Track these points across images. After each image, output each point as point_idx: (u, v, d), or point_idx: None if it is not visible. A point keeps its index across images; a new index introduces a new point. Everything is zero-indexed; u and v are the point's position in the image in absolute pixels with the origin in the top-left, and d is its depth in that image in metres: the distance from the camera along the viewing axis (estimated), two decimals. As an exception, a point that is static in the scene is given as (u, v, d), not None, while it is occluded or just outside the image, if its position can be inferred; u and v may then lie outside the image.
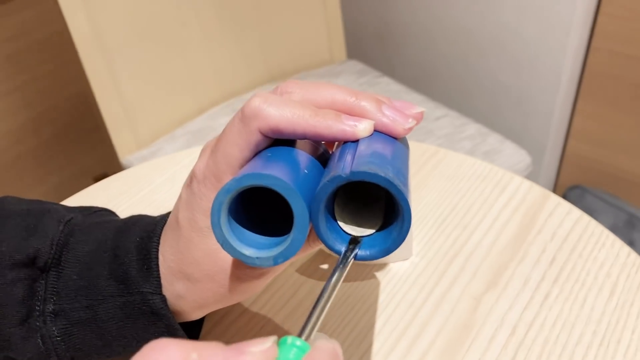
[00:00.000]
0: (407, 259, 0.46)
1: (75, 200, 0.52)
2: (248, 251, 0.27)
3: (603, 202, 1.26)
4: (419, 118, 0.31)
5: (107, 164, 1.29)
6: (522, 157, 0.99)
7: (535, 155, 1.28)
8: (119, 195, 0.52)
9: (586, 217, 0.48)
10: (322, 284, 0.44)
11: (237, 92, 1.13)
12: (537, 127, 1.27)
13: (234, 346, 0.21)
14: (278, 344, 0.22)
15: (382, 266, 0.45)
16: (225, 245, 0.27)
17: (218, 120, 1.06)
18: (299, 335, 0.23)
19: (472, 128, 1.03)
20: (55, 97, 1.30)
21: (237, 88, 1.13)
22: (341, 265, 0.26)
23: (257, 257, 0.27)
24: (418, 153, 0.56)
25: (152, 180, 0.54)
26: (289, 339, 0.22)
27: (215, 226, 0.26)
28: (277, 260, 0.26)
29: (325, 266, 0.46)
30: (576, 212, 0.49)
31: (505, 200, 0.50)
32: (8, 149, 1.25)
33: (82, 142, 1.37)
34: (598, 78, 1.20)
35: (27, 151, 1.29)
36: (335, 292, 0.25)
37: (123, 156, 1.01)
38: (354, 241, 0.27)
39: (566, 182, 1.34)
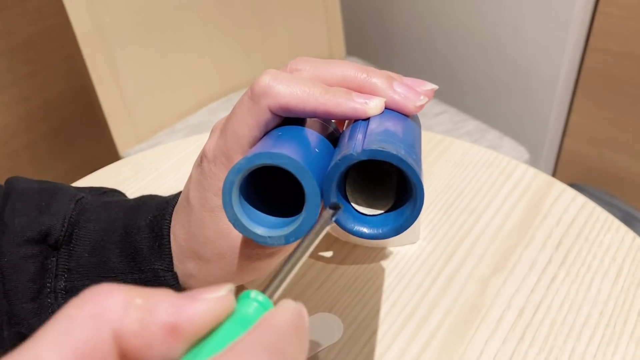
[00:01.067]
0: (414, 243, 0.46)
1: (83, 184, 0.52)
2: (260, 230, 0.27)
3: (598, 201, 1.26)
4: (431, 95, 0.31)
5: (104, 159, 1.29)
6: (520, 154, 0.99)
7: (532, 153, 1.28)
8: (126, 180, 0.52)
9: (591, 204, 0.49)
10: (330, 266, 0.44)
11: (237, 86, 1.13)
12: (535, 125, 1.28)
13: (185, 293, 0.19)
14: (239, 298, 0.20)
15: (390, 250, 0.46)
16: (237, 224, 0.27)
17: (218, 114, 1.06)
18: (263, 291, 0.21)
19: (471, 124, 1.04)
20: (53, 91, 1.30)
21: (237, 83, 1.13)
22: (317, 225, 0.25)
23: (268, 236, 0.27)
24: (424, 141, 0.56)
25: (158, 165, 0.54)
26: (252, 293, 0.20)
27: (227, 205, 0.26)
28: (288, 239, 0.26)
29: (331, 249, 0.46)
30: (581, 199, 0.49)
31: (511, 187, 0.51)
32: (5, 143, 1.25)
33: (79, 137, 1.37)
34: (595, 77, 1.21)
35: (24, 146, 1.28)
36: (306, 254, 0.24)
37: (123, 150, 1.01)
38: (335, 207, 0.27)
39: (562, 180, 1.35)
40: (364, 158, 0.25)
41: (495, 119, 1.33)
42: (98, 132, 1.35)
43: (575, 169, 1.33)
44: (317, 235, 0.25)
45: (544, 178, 0.51)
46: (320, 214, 0.31)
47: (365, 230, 0.27)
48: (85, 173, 0.52)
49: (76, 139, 1.36)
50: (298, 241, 0.33)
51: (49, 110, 1.30)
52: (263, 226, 0.27)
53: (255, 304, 0.20)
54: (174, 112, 1.07)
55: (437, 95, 1.30)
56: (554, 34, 1.17)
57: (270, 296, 0.21)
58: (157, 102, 1.04)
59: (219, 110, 1.07)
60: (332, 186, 0.26)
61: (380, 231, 0.27)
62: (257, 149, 0.26)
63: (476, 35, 1.28)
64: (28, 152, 1.29)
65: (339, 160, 0.25)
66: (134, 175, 0.53)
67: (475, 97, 1.35)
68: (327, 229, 0.26)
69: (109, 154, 1.09)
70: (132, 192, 0.51)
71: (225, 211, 0.26)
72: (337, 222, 0.27)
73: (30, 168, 1.30)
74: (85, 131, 1.37)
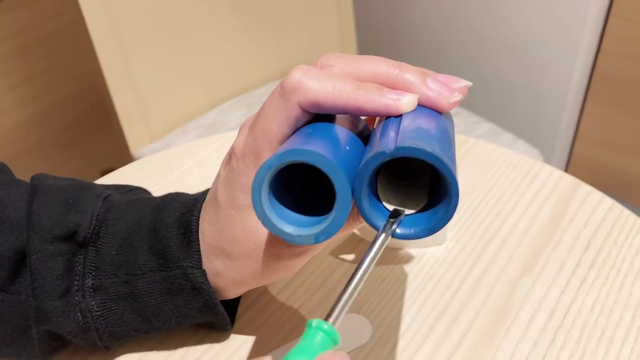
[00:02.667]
0: (441, 244, 0.46)
1: (106, 182, 0.51)
2: (289, 229, 0.26)
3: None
4: (465, 92, 0.30)
5: (115, 158, 1.28)
6: (535, 157, 0.99)
7: (544, 156, 1.28)
8: (150, 178, 0.52)
9: (619, 206, 0.48)
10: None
11: (250, 87, 1.13)
12: (547, 129, 1.28)
13: None
14: (306, 325, 0.21)
15: (417, 251, 0.45)
16: (267, 222, 0.26)
17: (230, 114, 1.06)
18: (326, 319, 0.21)
19: (485, 127, 1.04)
20: (66, 89, 1.30)
21: (250, 83, 1.12)
22: (379, 239, 0.25)
23: (298, 235, 0.26)
24: (446, 142, 0.56)
25: (182, 163, 0.54)
26: (314, 322, 0.20)
27: (256, 203, 0.26)
28: (318, 239, 0.26)
29: (358, 250, 0.46)
30: (608, 201, 0.49)
31: (537, 188, 0.50)
32: (17, 141, 1.25)
33: (92, 135, 1.37)
34: (607, 80, 1.21)
35: (36, 143, 1.28)
36: (369, 271, 0.24)
37: (135, 149, 1.01)
38: (395, 215, 0.26)
39: (573, 184, 1.35)
40: (397, 155, 0.24)
41: (507, 121, 1.32)
42: (110, 130, 1.35)
43: (585, 172, 1.32)
44: (380, 249, 0.25)
45: (570, 180, 0.51)
46: (351, 213, 0.30)
47: (397, 230, 0.26)
48: (97, 171, 0.52)
49: (88, 137, 1.36)
50: (326, 242, 0.33)
51: (61, 108, 1.30)
52: (292, 225, 0.27)
53: (320, 334, 0.20)
54: (187, 112, 1.06)
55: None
56: (567, 37, 1.16)
57: (334, 323, 0.21)
58: (170, 101, 1.04)
59: (232, 110, 1.07)
60: (363, 184, 0.25)
61: (413, 231, 0.26)
62: (287, 146, 0.26)
63: (489, 38, 1.28)
64: (40, 149, 1.29)
65: (371, 157, 0.25)
66: (157, 173, 0.53)
67: (488, 99, 1.35)
68: (388, 240, 0.26)
69: (121, 153, 1.09)
70: (155, 190, 0.51)
71: (255, 209, 0.26)
72: (369, 222, 0.26)
73: (42, 165, 1.30)
74: (97, 129, 1.37)
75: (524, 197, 0.50)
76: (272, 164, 0.25)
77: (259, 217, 0.26)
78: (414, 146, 0.24)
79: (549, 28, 1.18)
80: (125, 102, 0.97)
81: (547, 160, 1.30)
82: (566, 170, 1.35)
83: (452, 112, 1.06)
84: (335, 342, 0.21)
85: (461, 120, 1.05)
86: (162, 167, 0.53)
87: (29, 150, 1.27)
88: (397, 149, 0.24)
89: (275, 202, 0.27)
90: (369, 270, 0.24)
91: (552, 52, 1.20)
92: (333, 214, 0.25)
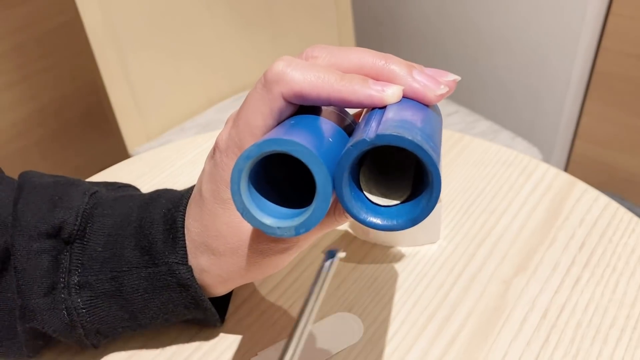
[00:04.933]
0: (434, 243, 0.45)
1: (97, 179, 0.51)
2: (269, 220, 0.26)
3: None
4: (452, 86, 0.29)
5: (114, 156, 1.28)
6: (534, 155, 0.98)
7: (543, 154, 1.27)
8: (141, 176, 0.52)
9: (614, 204, 0.48)
10: (349, 266, 0.44)
11: (247, 85, 1.12)
12: (546, 127, 1.27)
13: None
14: None
15: (410, 249, 0.45)
16: (245, 213, 0.26)
17: (228, 113, 1.05)
18: None
19: (484, 125, 1.03)
20: (63, 88, 1.29)
21: (247, 82, 1.12)
22: (319, 280, 0.24)
23: (278, 227, 0.26)
24: (442, 139, 0.56)
25: (173, 162, 0.53)
26: None
27: (235, 194, 0.25)
28: (298, 231, 0.25)
29: (351, 249, 0.45)
30: (604, 199, 0.48)
31: (532, 186, 0.50)
32: (14, 140, 1.24)
33: (89, 134, 1.36)
34: (607, 78, 1.20)
35: (34, 142, 1.28)
36: (314, 314, 0.23)
37: (132, 147, 1.01)
38: (331, 255, 0.26)
39: (573, 183, 1.34)
40: (378, 143, 0.24)
41: (506, 120, 1.32)
42: (108, 129, 1.34)
43: (585, 171, 1.32)
44: (321, 287, 0.24)
45: (565, 178, 0.51)
46: (337, 207, 0.30)
47: (378, 221, 0.26)
48: (95, 170, 0.52)
49: (86, 136, 1.36)
50: (311, 237, 0.32)
51: (59, 107, 1.30)
52: (273, 216, 0.26)
53: None
54: (184, 111, 1.06)
55: (449, 95, 1.29)
56: (566, 35, 1.16)
57: None
58: (167, 100, 1.04)
59: (229, 109, 1.06)
60: (344, 174, 0.24)
61: (395, 222, 0.26)
62: (268, 136, 0.25)
63: (488, 36, 1.27)
64: (38, 148, 1.29)
65: (352, 146, 0.24)
66: (149, 171, 0.52)
67: (487, 97, 1.34)
68: (330, 277, 0.25)
69: (119, 152, 1.08)
70: (147, 188, 0.50)
71: (234, 200, 0.25)
72: (350, 212, 0.26)
73: (40, 164, 1.30)
74: (95, 128, 1.36)
75: (519, 195, 0.49)
76: (250, 155, 0.25)
77: (238, 209, 0.26)
78: (395, 134, 0.23)
79: (548, 26, 1.17)
80: (122, 101, 0.97)
81: (547, 158, 1.29)
82: (566, 168, 1.34)
83: (450, 109, 1.06)
84: None
85: (460, 118, 1.04)
86: (154, 165, 0.53)
87: (26, 149, 1.27)
88: (378, 136, 0.24)
89: (256, 194, 0.26)
90: (314, 313, 0.23)
91: (551, 50, 1.19)
92: (313, 205, 0.25)
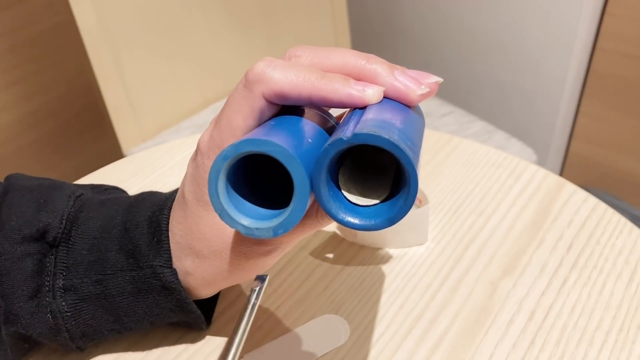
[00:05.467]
0: (422, 244, 0.45)
1: (86, 182, 0.51)
2: (246, 221, 0.26)
3: (606, 203, 1.25)
4: (435, 88, 0.29)
5: (109, 157, 1.28)
6: (528, 155, 0.98)
7: (538, 155, 1.27)
8: (131, 178, 0.52)
9: (602, 205, 0.48)
10: (336, 268, 0.44)
11: (242, 86, 1.12)
12: (542, 128, 1.27)
13: None
14: None
15: (397, 251, 0.45)
16: (223, 214, 0.26)
17: (223, 114, 1.05)
18: None
19: (478, 125, 1.03)
20: (58, 89, 1.29)
21: (242, 82, 1.12)
22: (249, 307, 0.25)
23: (256, 228, 0.25)
24: (432, 141, 0.56)
25: (163, 163, 0.53)
26: None
27: (213, 195, 0.25)
28: (276, 232, 0.25)
29: (339, 250, 0.45)
30: (592, 200, 0.48)
31: (521, 188, 0.50)
32: (8, 141, 1.24)
33: (84, 135, 1.36)
34: (602, 79, 1.20)
35: (29, 143, 1.28)
36: (244, 337, 0.24)
37: (127, 148, 1.01)
38: (261, 279, 0.27)
39: (569, 183, 1.34)
40: (355, 142, 0.24)
41: (502, 120, 1.32)
42: (103, 130, 1.34)
43: (582, 171, 1.32)
44: (252, 313, 0.26)
45: (554, 179, 0.51)
46: (317, 209, 0.30)
47: (356, 221, 0.26)
48: (90, 171, 0.52)
49: (81, 137, 1.36)
50: (294, 239, 0.32)
51: (54, 108, 1.29)
52: (251, 217, 0.26)
53: None
54: (179, 111, 1.06)
55: (444, 95, 1.29)
56: (561, 35, 1.16)
57: None
58: (162, 100, 1.04)
59: (224, 110, 1.06)
60: (321, 173, 0.24)
61: (373, 222, 0.25)
62: (246, 136, 0.25)
63: (483, 36, 1.27)
64: (33, 150, 1.29)
65: (328, 145, 0.24)
66: (139, 172, 0.52)
67: (482, 98, 1.34)
68: (258, 303, 0.27)
69: (114, 153, 1.08)
70: (136, 190, 0.51)
71: (211, 201, 0.25)
72: (328, 212, 0.26)
73: (35, 166, 1.30)
74: (90, 129, 1.36)
75: (508, 196, 0.49)
76: (228, 155, 0.24)
77: (216, 209, 0.26)
78: (371, 133, 0.23)
79: (543, 26, 1.17)
80: (117, 102, 0.97)
81: (543, 159, 1.29)
82: (562, 168, 1.34)
83: (445, 110, 1.05)
84: None
85: (454, 119, 1.04)
86: (144, 167, 0.53)
87: (21, 151, 1.27)
88: (355, 135, 0.24)
89: (234, 195, 0.26)
90: (244, 337, 0.25)
91: (546, 50, 1.19)
92: (291, 205, 0.25)
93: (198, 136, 0.57)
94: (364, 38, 1.48)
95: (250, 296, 0.26)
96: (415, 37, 1.39)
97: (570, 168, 1.33)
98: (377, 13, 1.44)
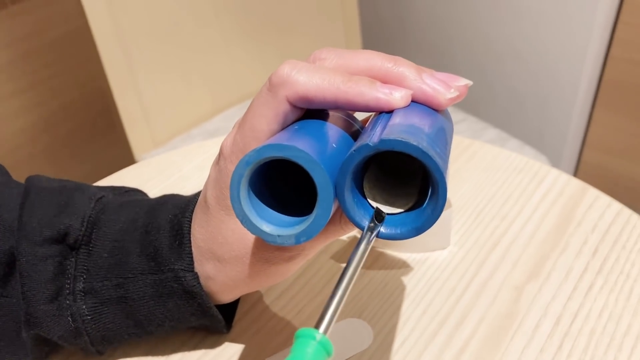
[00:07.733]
0: (445, 249, 0.45)
1: (104, 184, 0.51)
2: (268, 228, 0.25)
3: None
4: (464, 91, 0.28)
5: (121, 163, 1.28)
6: (542, 163, 0.98)
7: (551, 163, 1.27)
8: (149, 181, 0.51)
9: (627, 210, 0.47)
10: (359, 271, 0.43)
11: (254, 93, 1.12)
12: (554, 136, 1.27)
13: None
14: (295, 336, 0.20)
15: (420, 255, 0.44)
16: (245, 220, 0.25)
17: (234, 120, 1.05)
18: (316, 327, 0.20)
19: (492, 133, 1.03)
20: (71, 95, 1.30)
21: (254, 89, 1.12)
22: (363, 242, 0.24)
23: (278, 235, 0.25)
24: (452, 145, 0.55)
25: (181, 167, 0.53)
26: (304, 331, 0.19)
27: (234, 200, 0.25)
28: (299, 239, 0.25)
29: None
30: (617, 205, 0.48)
31: (544, 192, 0.49)
32: (22, 146, 1.25)
33: (96, 141, 1.36)
34: (615, 87, 1.19)
35: (42, 149, 1.28)
36: (357, 274, 0.23)
37: (139, 154, 1.01)
38: (379, 216, 0.25)
39: (582, 192, 1.33)
40: (381, 148, 0.23)
41: (514, 128, 1.31)
42: (115, 136, 1.35)
43: (593, 180, 1.31)
44: (364, 252, 0.23)
45: (577, 184, 0.50)
46: (341, 216, 0.29)
47: (382, 229, 0.25)
48: (102, 177, 0.51)
49: (93, 142, 1.36)
50: (317, 246, 0.32)
51: (66, 114, 1.30)
52: (273, 224, 0.25)
53: (312, 343, 0.19)
54: (191, 118, 1.06)
55: (457, 103, 1.29)
56: (575, 43, 1.15)
57: (325, 332, 0.20)
58: (174, 107, 1.04)
59: (236, 116, 1.06)
60: (346, 179, 0.24)
61: (399, 231, 0.25)
62: (269, 141, 0.25)
63: (496, 43, 1.27)
64: (45, 155, 1.29)
65: (354, 151, 0.23)
66: (157, 176, 0.52)
67: (495, 106, 1.34)
68: (372, 242, 0.24)
69: (125, 158, 1.08)
70: (154, 193, 0.50)
71: (233, 206, 0.25)
72: (352, 219, 0.25)
73: (48, 171, 1.29)
74: (102, 135, 1.37)
75: (530, 201, 0.48)
76: (250, 160, 0.24)
77: (237, 215, 0.25)
78: (399, 139, 0.23)
79: (556, 34, 1.17)
80: (130, 108, 0.97)
81: (555, 166, 1.28)
82: (574, 176, 1.33)
83: (458, 117, 1.05)
84: (328, 353, 0.20)
85: (467, 126, 1.04)
86: (162, 170, 0.53)
87: (34, 156, 1.27)
88: (382, 141, 0.23)
89: (256, 201, 0.25)
90: (357, 273, 0.23)
91: (559, 58, 1.19)
92: (314, 212, 0.24)
93: (216, 140, 0.56)
94: (376, 42, 1.48)
95: (361, 239, 0.24)
96: (428, 43, 1.39)
97: (582, 176, 1.32)
98: (389, 18, 1.44)
